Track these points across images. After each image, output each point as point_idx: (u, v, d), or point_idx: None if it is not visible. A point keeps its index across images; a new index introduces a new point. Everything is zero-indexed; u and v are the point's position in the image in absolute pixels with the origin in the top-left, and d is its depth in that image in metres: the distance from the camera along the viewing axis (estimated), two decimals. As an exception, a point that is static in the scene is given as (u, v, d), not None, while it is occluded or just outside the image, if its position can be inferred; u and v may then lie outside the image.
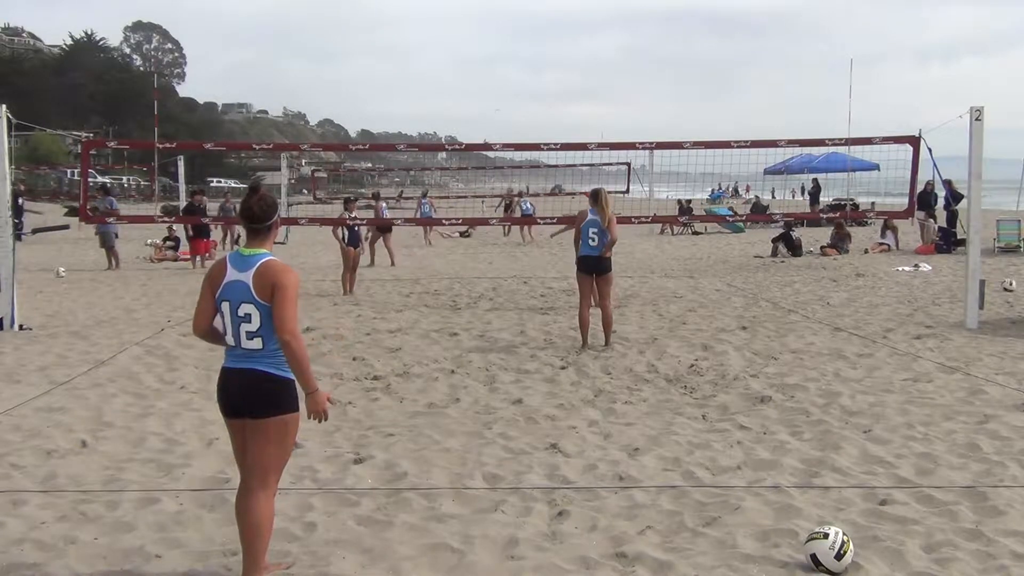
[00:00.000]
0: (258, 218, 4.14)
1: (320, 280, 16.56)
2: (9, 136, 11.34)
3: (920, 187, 20.07)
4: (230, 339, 4.08)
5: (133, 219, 21.01)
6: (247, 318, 4.01)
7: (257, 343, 4.03)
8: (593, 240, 9.90)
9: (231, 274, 4.07)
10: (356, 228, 15.19)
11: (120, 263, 19.36)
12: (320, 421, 4.12)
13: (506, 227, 29.22)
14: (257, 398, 4.02)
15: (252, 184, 4.48)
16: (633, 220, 15.94)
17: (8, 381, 8.34)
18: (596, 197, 10.01)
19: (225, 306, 4.06)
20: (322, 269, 19.12)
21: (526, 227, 27.81)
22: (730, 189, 53.27)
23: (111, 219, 18.83)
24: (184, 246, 22.63)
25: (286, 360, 4.02)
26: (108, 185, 29.37)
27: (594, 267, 9.95)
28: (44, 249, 24.12)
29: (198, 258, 19.64)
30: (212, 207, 24.48)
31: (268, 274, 4.01)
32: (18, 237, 24.30)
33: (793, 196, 47.69)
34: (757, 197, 42.56)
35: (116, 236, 19.65)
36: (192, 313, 4.23)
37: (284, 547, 4.54)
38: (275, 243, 4.30)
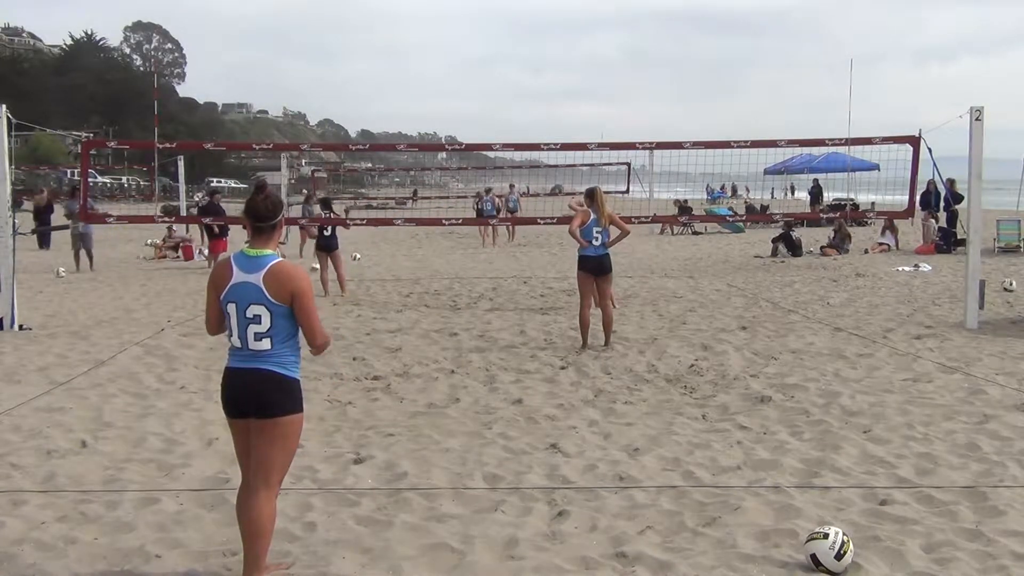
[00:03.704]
0: (264, 216, 4.14)
1: (319, 280, 16.52)
2: (9, 136, 11.33)
3: (922, 187, 20.13)
4: (236, 340, 4.08)
5: (133, 219, 20.98)
6: (256, 319, 4.02)
7: (265, 344, 4.04)
8: (597, 240, 9.89)
9: (237, 276, 4.07)
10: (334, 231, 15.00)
11: (93, 265, 19.04)
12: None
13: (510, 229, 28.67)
14: (265, 398, 4.03)
15: (258, 183, 4.48)
16: (633, 220, 15.92)
17: (8, 381, 8.34)
18: (593, 197, 9.99)
19: (231, 307, 4.06)
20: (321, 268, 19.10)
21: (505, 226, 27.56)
22: (728, 189, 53.17)
23: (111, 219, 18.76)
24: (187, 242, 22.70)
25: (311, 352, 4.17)
26: (78, 188, 29.00)
27: (598, 267, 9.94)
28: (44, 249, 24.11)
29: (217, 257, 19.50)
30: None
31: (284, 279, 4.03)
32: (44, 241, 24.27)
33: (785, 195, 47.74)
34: (748, 202, 42.01)
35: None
36: (193, 313, 4.26)
37: (284, 547, 4.54)
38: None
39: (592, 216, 9.88)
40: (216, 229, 19.39)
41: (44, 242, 24.94)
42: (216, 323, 4.20)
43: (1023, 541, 4.59)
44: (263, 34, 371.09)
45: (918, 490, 5.35)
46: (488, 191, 29.67)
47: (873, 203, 28.75)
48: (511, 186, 32.34)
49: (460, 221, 22.80)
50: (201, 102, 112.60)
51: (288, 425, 4.07)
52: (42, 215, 25.88)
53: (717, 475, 5.67)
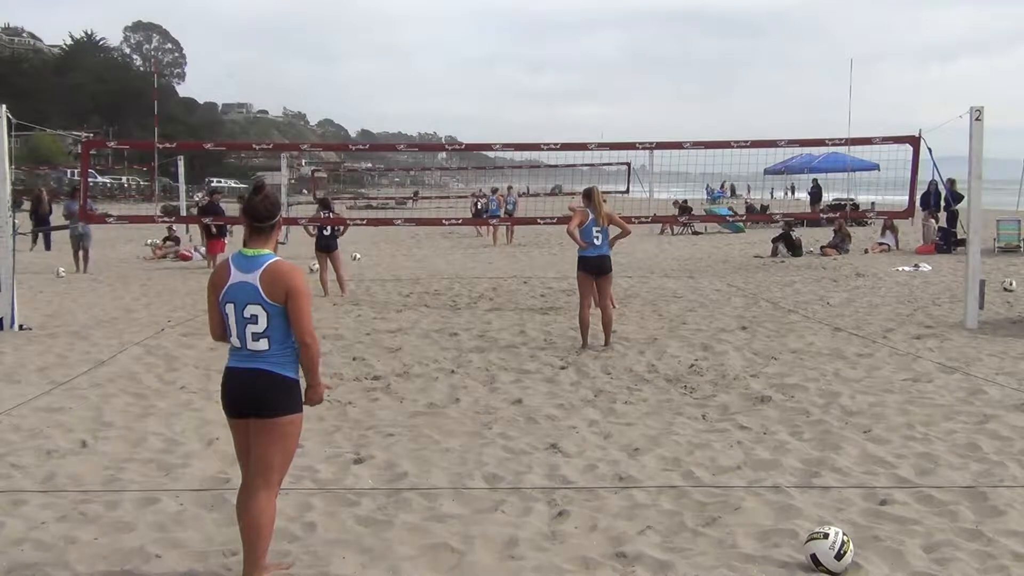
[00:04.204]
0: (263, 217, 4.15)
1: (319, 280, 16.52)
2: (9, 136, 11.33)
3: (923, 187, 20.12)
4: (235, 340, 4.09)
5: (133, 219, 20.98)
6: (254, 319, 4.02)
7: (263, 344, 4.04)
8: (597, 240, 9.89)
9: (235, 276, 4.07)
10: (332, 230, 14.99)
11: (88, 266, 18.90)
12: (312, 405, 4.27)
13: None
14: (264, 398, 4.03)
15: (256, 183, 4.49)
16: (633, 220, 15.92)
17: (8, 381, 8.34)
18: (591, 197, 9.98)
19: (229, 308, 4.06)
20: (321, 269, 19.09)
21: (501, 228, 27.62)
22: (728, 189, 53.11)
23: (111, 219, 18.73)
24: (187, 242, 22.69)
25: (299, 358, 4.09)
26: (77, 188, 28.89)
27: (598, 268, 9.93)
28: (44, 249, 24.11)
29: (216, 257, 19.49)
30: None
31: (279, 277, 4.02)
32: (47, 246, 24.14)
33: (785, 195, 47.76)
34: (748, 202, 42.07)
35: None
36: (193, 313, 4.26)
37: (284, 547, 4.54)
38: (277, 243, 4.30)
39: (590, 216, 9.87)
40: (214, 229, 19.37)
41: (45, 243, 24.94)
42: (218, 327, 4.18)
43: (1023, 541, 4.59)
44: (263, 34, 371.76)
45: (918, 490, 5.35)
46: (494, 191, 29.98)
47: (873, 203, 28.76)
48: (509, 188, 32.50)
49: (460, 221, 22.81)
50: (201, 102, 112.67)
51: (287, 425, 4.07)
52: (42, 216, 25.86)
53: (717, 475, 5.67)
